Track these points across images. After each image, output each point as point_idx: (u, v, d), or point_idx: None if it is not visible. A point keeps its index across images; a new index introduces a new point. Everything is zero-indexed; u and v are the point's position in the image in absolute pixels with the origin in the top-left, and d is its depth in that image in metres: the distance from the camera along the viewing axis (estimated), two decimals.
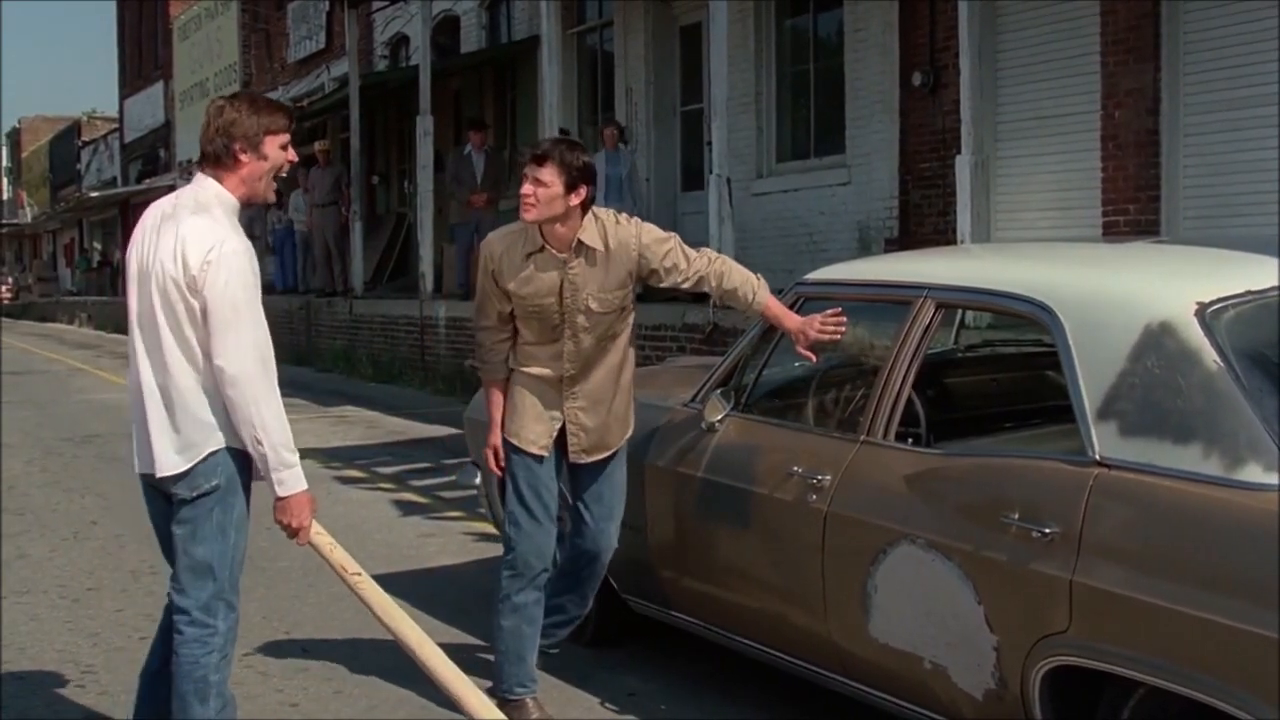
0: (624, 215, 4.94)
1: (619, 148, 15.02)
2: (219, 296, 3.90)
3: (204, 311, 3.92)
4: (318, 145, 20.87)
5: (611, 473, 5.00)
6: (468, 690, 4.30)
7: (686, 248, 4.88)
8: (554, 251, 4.74)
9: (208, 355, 3.94)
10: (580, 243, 4.74)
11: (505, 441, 4.94)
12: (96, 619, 6.44)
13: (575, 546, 5.09)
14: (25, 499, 9.64)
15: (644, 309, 12.59)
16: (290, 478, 3.98)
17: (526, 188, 4.68)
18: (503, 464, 4.97)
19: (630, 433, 5.02)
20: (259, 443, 3.93)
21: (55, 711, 5.23)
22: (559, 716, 5.03)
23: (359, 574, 4.19)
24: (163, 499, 4.13)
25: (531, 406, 4.88)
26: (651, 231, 4.86)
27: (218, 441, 3.99)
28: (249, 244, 4.06)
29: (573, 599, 5.19)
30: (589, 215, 4.79)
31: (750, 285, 4.85)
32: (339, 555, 4.17)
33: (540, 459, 4.89)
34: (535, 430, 4.88)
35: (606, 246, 4.77)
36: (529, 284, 4.76)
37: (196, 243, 3.93)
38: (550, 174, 4.65)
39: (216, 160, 4.07)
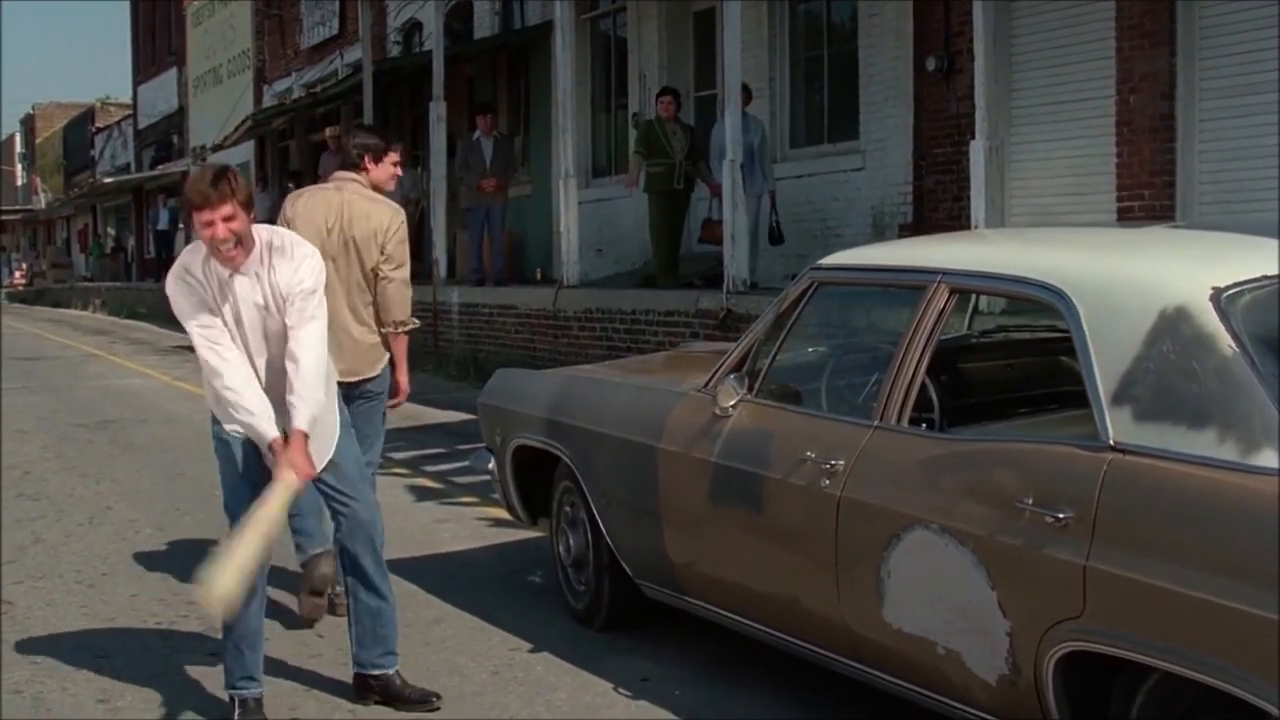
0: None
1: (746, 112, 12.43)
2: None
3: None
4: (329, 131, 20.85)
5: None
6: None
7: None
8: None
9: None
10: None
11: None
12: (111, 604, 6.46)
13: None
14: (41, 484, 9.67)
15: (657, 295, 12.74)
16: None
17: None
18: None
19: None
20: None
21: (70, 696, 5.25)
22: (572, 701, 5.04)
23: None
24: None
25: None
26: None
27: None
28: None
29: None
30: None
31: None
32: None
33: None
34: None
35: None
36: None
37: None
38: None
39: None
